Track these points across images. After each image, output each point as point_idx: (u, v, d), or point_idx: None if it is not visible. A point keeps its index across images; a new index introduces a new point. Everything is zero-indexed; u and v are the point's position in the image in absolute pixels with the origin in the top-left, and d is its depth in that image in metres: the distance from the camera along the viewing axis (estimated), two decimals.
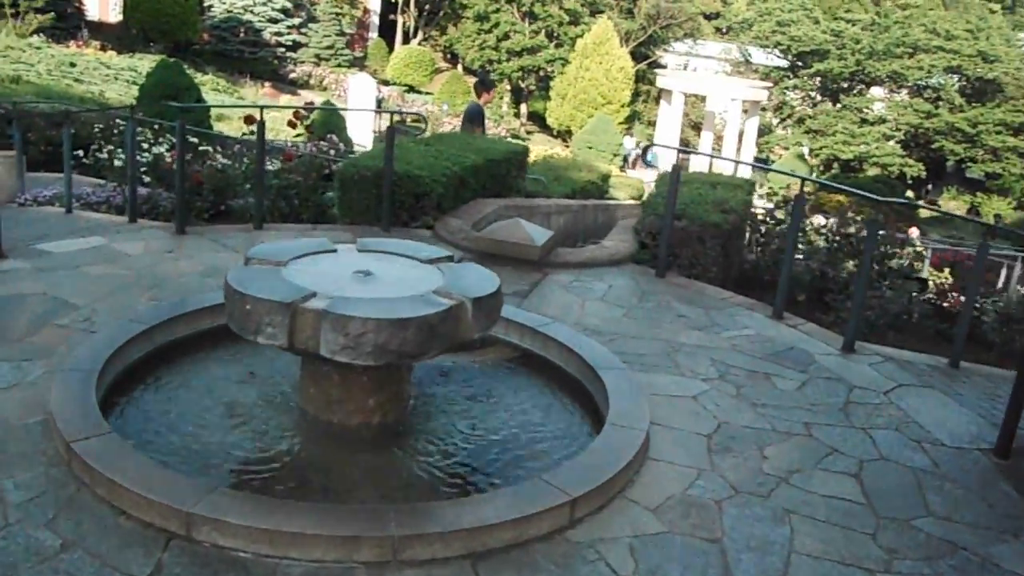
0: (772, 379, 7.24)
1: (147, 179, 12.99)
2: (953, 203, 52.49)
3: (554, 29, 49.00)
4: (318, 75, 48.19)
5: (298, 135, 12.82)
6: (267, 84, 44.35)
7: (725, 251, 9.96)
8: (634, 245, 10.26)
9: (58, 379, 5.47)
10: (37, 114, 17.32)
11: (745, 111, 39.48)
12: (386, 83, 49.19)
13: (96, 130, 15.39)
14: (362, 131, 37.78)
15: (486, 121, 16.00)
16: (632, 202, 26.63)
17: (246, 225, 9.85)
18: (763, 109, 47.39)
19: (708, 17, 60.87)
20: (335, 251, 6.08)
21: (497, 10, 48.26)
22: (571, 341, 6.92)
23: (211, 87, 37.45)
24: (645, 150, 41.55)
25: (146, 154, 13.77)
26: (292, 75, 48.36)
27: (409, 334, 4.90)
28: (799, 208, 8.77)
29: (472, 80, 42.83)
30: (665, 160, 40.00)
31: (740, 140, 39.70)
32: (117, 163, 12.49)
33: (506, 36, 48.26)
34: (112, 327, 6.34)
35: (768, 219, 11.83)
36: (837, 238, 11.77)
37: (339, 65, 49.74)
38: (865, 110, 54.90)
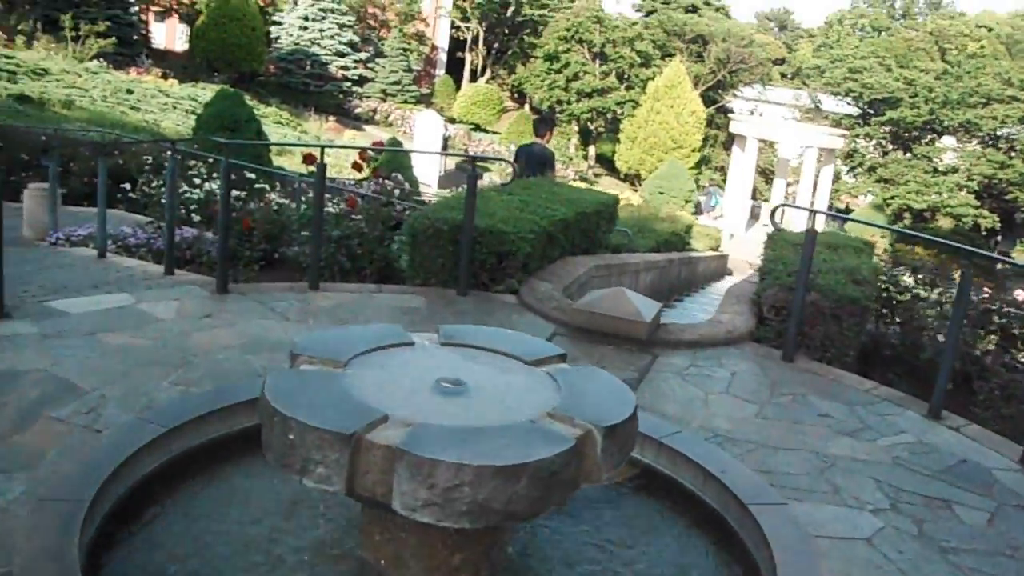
0: (954, 508, 5.57)
1: (197, 218, 11.63)
2: None
3: (625, 71, 47.63)
4: (383, 111, 47.09)
5: (363, 178, 11.24)
6: (331, 118, 43.27)
7: (859, 330, 8.31)
8: (751, 319, 8.62)
9: (31, 515, 3.93)
10: (80, 142, 15.91)
11: (820, 159, 37.72)
12: (452, 121, 48.01)
13: (147, 162, 13.99)
14: (428, 170, 36.49)
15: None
16: (713, 254, 25.00)
17: (300, 283, 8.29)
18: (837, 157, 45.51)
19: (775, 63, 59.22)
20: (411, 344, 4.50)
21: (568, 50, 46.98)
22: (706, 459, 5.28)
23: (274, 119, 36.39)
24: (709, 194, 39.96)
25: (197, 191, 12.40)
26: (357, 110, 47.34)
27: (520, 487, 3.33)
28: (966, 281, 7.04)
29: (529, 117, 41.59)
30: (729, 208, 38.48)
31: (815, 188, 37.90)
32: (165, 200, 11.07)
33: (576, 77, 46.96)
34: (121, 428, 4.81)
35: (895, 287, 10.12)
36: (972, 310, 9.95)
37: (405, 101, 48.64)
38: (936, 159, 53.00)
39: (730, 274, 28.41)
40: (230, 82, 37.12)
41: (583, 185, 39.23)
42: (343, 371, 4.00)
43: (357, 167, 11.02)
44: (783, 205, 8.96)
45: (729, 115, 49.73)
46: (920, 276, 10.45)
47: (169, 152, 8.45)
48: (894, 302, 9.98)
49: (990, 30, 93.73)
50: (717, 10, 59.51)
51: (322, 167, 7.99)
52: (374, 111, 47.20)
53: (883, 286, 10.10)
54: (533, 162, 13.88)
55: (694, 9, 57.52)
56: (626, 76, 47.99)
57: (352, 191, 11.22)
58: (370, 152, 12.74)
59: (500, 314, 7.94)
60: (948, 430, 6.88)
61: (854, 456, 6.11)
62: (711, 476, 5.13)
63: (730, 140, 52.38)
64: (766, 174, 48.26)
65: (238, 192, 12.25)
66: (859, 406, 7.07)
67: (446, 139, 39.60)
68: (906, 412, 7.11)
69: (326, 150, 8.53)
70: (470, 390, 3.95)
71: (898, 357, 8.99)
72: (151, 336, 6.50)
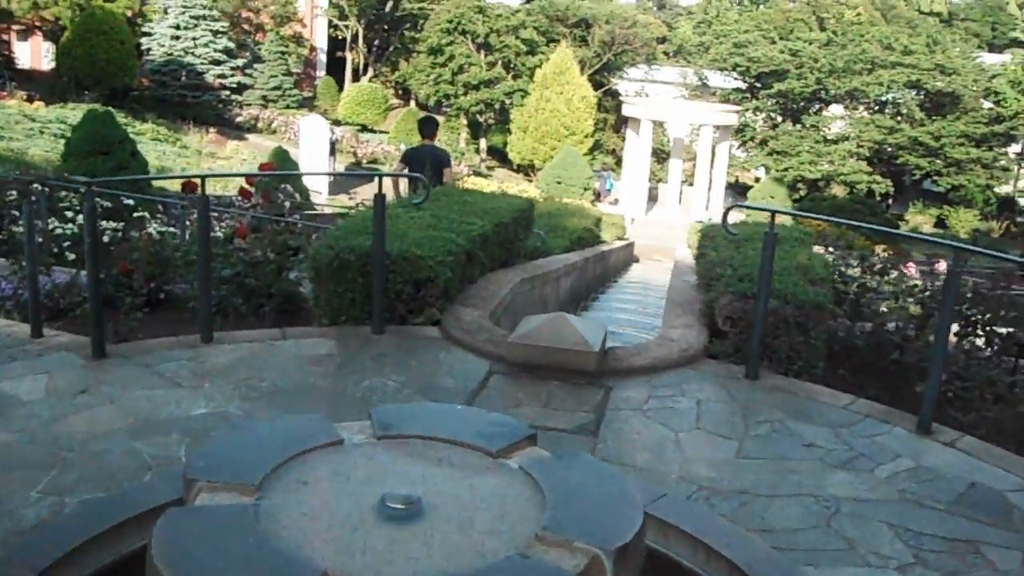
0: (982, 551, 4.79)
1: (71, 256, 10.43)
2: (920, 218, 50.94)
3: (511, 60, 46.76)
4: (266, 118, 45.53)
5: (251, 205, 10.08)
6: (212, 130, 41.59)
7: (826, 338, 7.52)
8: (703, 332, 7.76)
9: None
10: None
11: (715, 136, 37.36)
12: (338, 123, 46.66)
13: (10, 197, 12.63)
14: (317, 177, 35.23)
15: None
16: (621, 243, 24.29)
17: (190, 336, 7.15)
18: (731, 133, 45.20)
19: (658, 42, 58.91)
20: (339, 442, 3.47)
21: (451, 43, 45.91)
22: (703, 529, 4.37)
23: (151, 136, 34.78)
24: (603, 179, 39.30)
25: (69, 225, 11.19)
26: (238, 119, 45.72)
27: None
28: (954, 276, 6.21)
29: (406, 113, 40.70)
30: (627, 192, 37.90)
31: (712, 166, 37.54)
32: (25, 249, 9.78)
33: (461, 69, 45.92)
34: None
35: (850, 281, 9.34)
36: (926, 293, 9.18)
37: (288, 107, 47.13)
38: (826, 128, 53.32)
39: (637, 261, 27.79)
40: (102, 100, 35.36)
41: (479, 181, 38.34)
42: (256, 500, 2.97)
43: (245, 194, 9.86)
44: (738, 206, 8.08)
45: (620, 98, 49.16)
46: (869, 265, 9.65)
47: (34, 188, 7.22)
48: (844, 296, 9.19)
49: None
50: None
51: (204, 201, 6.84)
52: (256, 118, 45.58)
53: (835, 281, 9.33)
54: (426, 166, 12.96)
55: None
56: (513, 65, 47.11)
57: (239, 210, 10.04)
58: (256, 178, 11.60)
59: (424, 352, 6.94)
60: (944, 447, 6.10)
61: (856, 495, 5.28)
62: (712, 551, 4.23)
63: (620, 123, 51.94)
64: (658, 154, 47.80)
65: (114, 225, 11.05)
66: (842, 428, 6.25)
67: (333, 143, 38.29)
68: (893, 430, 6.31)
69: (212, 163, 7.39)
70: (426, 511, 2.95)
71: (861, 358, 8.20)
72: (15, 427, 5.34)
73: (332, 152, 37.44)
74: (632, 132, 38.17)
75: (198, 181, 7.28)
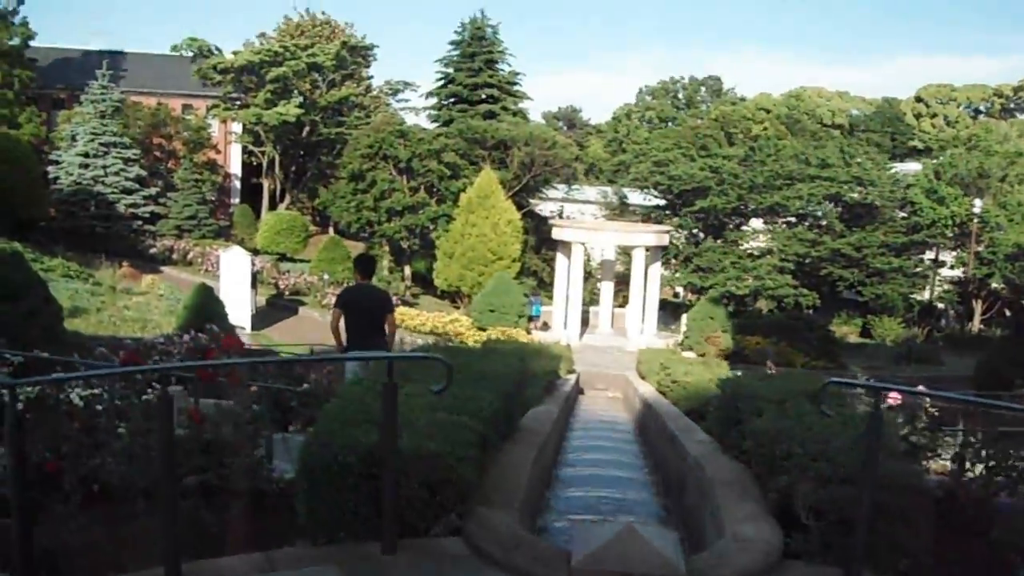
0: None
1: None
2: (846, 328, 50.78)
3: (434, 184, 45.81)
4: (181, 249, 43.88)
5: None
6: (125, 263, 39.74)
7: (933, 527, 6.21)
8: (774, 525, 6.41)
9: None
10: None
11: (647, 258, 36.54)
12: (256, 252, 45.14)
13: None
14: (238, 311, 33.58)
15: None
16: (572, 377, 23.00)
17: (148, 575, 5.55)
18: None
19: (575, 160, 58.74)
20: None
21: (373, 168, 44.82)
22: None
23: (61, 272, 32.99)
24: (530, 304, 38.13)
25: None
26: (152, 250, 44.10)
27: None
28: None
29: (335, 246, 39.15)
30: (560, 317, 36.77)
31: (645, 287, 36.62)
32: None
33: (384, 195, 44.78)
34: None
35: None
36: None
37: (204, 236, 45.58)
38: (750, 243, 53.29)
39: (582, 392, 26.48)
40: (7, 231, 33.53)
41: (406, 311, 36.94)
42: None
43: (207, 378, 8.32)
44: (838, 382, 6.78)
45: (550, 221, 48.49)
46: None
47: None
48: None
49: (768, 112, 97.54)
50: (515, 114, 58.60)
51: (167, 403, 5.31)
52: (171, 249, 43.87)
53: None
54: (366, 310, 11.64)
55: (492, 115, 56.44)
56: (436, 189, 46.14)
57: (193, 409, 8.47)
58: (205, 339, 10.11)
59: None
60: None
61: None
62: None
63: (540, 244, 51.16)
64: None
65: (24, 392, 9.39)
66: None
67: (255, 275, 36.73)
68: None
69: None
70: None
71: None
72: None
73: (254, 284, 35.87)
74: (562, 255, 37.17)
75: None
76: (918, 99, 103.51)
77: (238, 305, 33.73)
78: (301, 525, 6.39)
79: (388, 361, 5.81)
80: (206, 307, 24.46)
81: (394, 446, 5.63)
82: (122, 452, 7.26)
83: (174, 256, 43.67)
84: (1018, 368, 23.70)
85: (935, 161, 55.72)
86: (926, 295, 54.54)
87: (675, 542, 5.57)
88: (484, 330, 34.44)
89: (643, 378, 22.59)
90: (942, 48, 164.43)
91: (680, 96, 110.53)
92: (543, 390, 13.76)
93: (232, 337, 10.21)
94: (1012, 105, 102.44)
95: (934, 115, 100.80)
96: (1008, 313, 53.60)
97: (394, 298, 37.39)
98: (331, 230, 52.30)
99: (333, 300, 37.24)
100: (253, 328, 33.62)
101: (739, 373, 19.35)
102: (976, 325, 51.32)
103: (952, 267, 54.50)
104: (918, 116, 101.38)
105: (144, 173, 45.70)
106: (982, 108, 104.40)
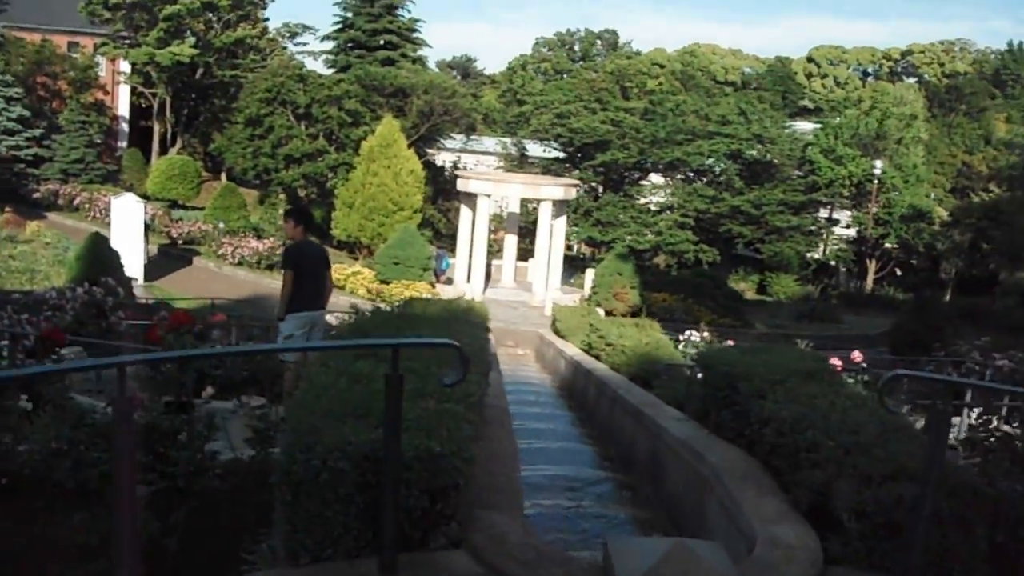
0: None
1: None
2: (743, 284, 50.96)
3: (334, 131, 44.24)
4: (67, 194, 41.63)
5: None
6: (7, 208, 37.45)
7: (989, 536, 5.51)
8: (807, 526, 5.65)
9: None
10: None
11: (553, 211, 35.73)
12: (146, 198, 43.14)
13: None
14: (130, 260, 31.92)
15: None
16: (491, 336, 22.03)
17: None
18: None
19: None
20: None
21: (271, 113, 43.03)
22: None
23: None
24: (439, 258, 37.12)
25: None
26: (36, 195, 41.75)
27: None
28: None
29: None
30: (464, 270, 35.87)
31: (550, 242, 35.85)
32: None
33: (282, 142, 43.08)
34: None
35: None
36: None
37: (91, 181, 43.40)
38: (650, 198, 53.02)
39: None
40: None
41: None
42: None
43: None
44: (903, 374, 5.95)
45: (459, 173, 47.36)
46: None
47: None
48: None
49: (663, 67, 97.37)
50: (414, 62, 57.18)
51: (128, 413, 4.28)
52: (56, 194, 41.58)
53: None
54: (313, 269, 10.76)
55: (391, 62, 54.92)
56: (336, 137, 44.59)
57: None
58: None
59: None
60: None
61: None
62: None
63: (436, 194, 50.10)
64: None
65: None
66: None
67: (147, 224, 34.98)
68: None
69: None
70: None
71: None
72: None
73: (146, 233, 34.16)
74: (466, 207, 36.15)
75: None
76: (809, 59, 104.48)
77: (131, 255, 32.03)
78: (264, 532, 5.46)
79: (393, 349, 4.84)
80: (100, 258, 23.03)
81: (398, 450, 4.70)
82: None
83: (59, 201, 41.39)
84: (932, 331, 23.62)
85: (834, 121, 55.95)
86: (819, 253, 55.11)
87: (724, 556, 4.77)
88: (387, 283, 33.35)
89: (562, 337, 21.82)
90: (829, 10, 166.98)
91: (576, 49, 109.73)
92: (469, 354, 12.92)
93: (182, 314, 9.10)
94: (900, 69, 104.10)
95: (824, 75, 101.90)
96: (899, 272, 54.46)
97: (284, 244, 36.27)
98: (224, 177, 50.35)
99: (229, 248, 36.14)
100: (147, 279, 32.00)
101: (668, 336, 18.83)
102: (870, 284, 51.94)
103: (848, 226, 55.05)
104: (809, 76, 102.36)
105: (27, 114, 43.21)
106: (870, 71, 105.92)
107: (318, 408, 5.26)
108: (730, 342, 18.14)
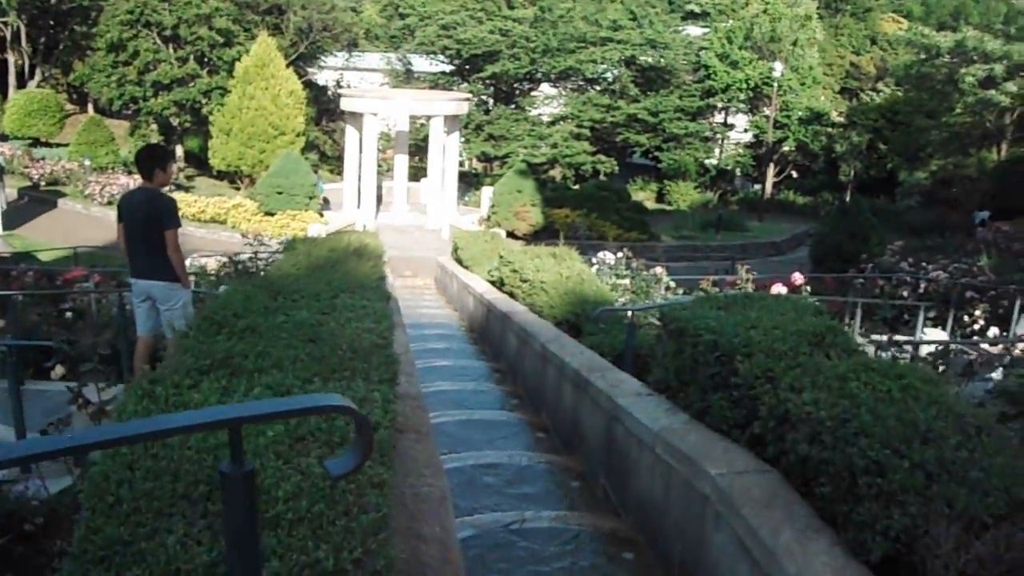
0: None
1: None
2: (642, 194, 49.11)
3: (205, 53, 40.68)
4: None
5: None
6: None
7: None
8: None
9: None
10: None
11: (445, 127, 33.13)
12: (4, 138, 39.31)
13: None
14: None
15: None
16: (388, 269, 19.43)
17: None
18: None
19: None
20: None
21: (135, 36, 39.24)
22: None
23: None
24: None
25: None
26: None
27: None
28: None
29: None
30: (352, 195, 33.18)
31: (443, 161, 33.30)
32: None
33: (149, 67, 39.41)
34: None
35: None
36: None
37: None
38: (544, 109, 50.74)
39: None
40: None
41: (182, 196, 32.48)
42: None
43: None
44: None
45: (342, 91, 44.30)
46: None
47: None
48: None
49: None
50: None
51: None
52: None
53: None
54: (137, 224, 8.17)
55: None
56: (208, 60, 41.01)
57: None
58: None
59: None
60: None
61: None
62: None
63: (320, 115, 47.19)
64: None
65: None
66: None
67: (1, 166, 31.50)
68: None
69: None
70: None
71: None
72: None
73: (0, 176, 30.71)
74: (351, 127, 33.32)
75: None
76: None
77: None
78: None
79: (231, 429, 2.35)
80: None
81: None
82: None
83: None
84: (856, 242, 21.85)
85: (725, 25, 53.91)
86: (715, 160, 53.58)
87: None
88: (272, 215, 30.56)
89: (466, 267, 19.41)
90: None
91: None
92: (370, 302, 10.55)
93: None
94: None
95: None
96: (795, 175, 53.25)
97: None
98: (91, 109, 46.42)
99: (96, 188, 32.85)
100: (4, 228, 28.68)
101: (593, 263, 16.57)
102: (769, 189, 50.51)
103: (745, 131, 53.52)
104: None
105: None
106: None
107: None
108: (658, 269, 16.04)
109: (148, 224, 8.17)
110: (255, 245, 14.59)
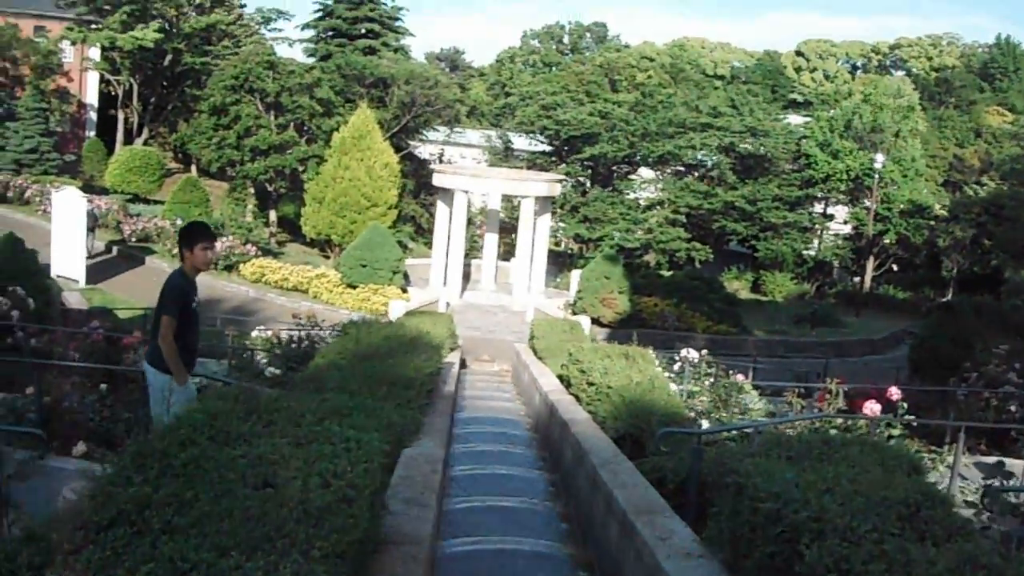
0: None
1: None
2: (737, 283, 47.38)
3: (305, 122, 40.56)
4: (18, 186, 37.79)
5: None
6: None
7: None
8: None
9: None
10: None
11: (536, 208, 32.19)
12: (106, 192, 39.48)
13: None
14: (69, 258, 28.42)
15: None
16: (456, 356, 18.25)
17: None
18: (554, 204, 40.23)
19: (460, 102, 54.13)
20: None
21: (237, 101, 39.25)
22: None
23: None
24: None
25: None
26: None
27: None
28: None
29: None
30: (440, 272, 32.27)
31: (533, 241, 32.30)
32: None
33: (248, 132, 39.30)
34: None
35: None
36: None
37: (46, 172, 39.69)
38: (640, 193, 49.70)
39: (464, 366, 22.12)
40: None
41: (268, 262, 32.01)
42: None
43: None
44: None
45: (430, 166, 43.89)
46: None
47: None
48: None
49: (652, 60, 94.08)
50: (396, 51, 53.51)
51: None
52: (6, 186, 37.76)
53: None
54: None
55: (372, 51, 51.31)
56: (307, 128, 40.89)
57: None
58: None
59: None
60: None
61: None
62: None
63: (419, 188, 46.69)
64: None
65: None
66: None
67: (95, 218, 31.33)
68: None
69: None
70: None
71: None
72: None
73: (92, 228, 30.52)
74: (443, 203, 32.57)
75: None
76: (798, 53, 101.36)
77: (70, 253, 28.48)
78: None
79: None
80: (13, 257, 19.39)
81: None
82: None
83: (9, 194, 37.54)
84: (959, 347, 20.10)
85: (827, 114, 52.48)
86: (813, 250, 51.83)
87: None
88: (354, 287, 29.77)
89: (540, 358, 18.20)
90: (815, 6, 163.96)
91: (565, 41, 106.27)
92: (419, 408, 9.44)
93: None
94: (888, 63, 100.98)
95: (814, 69, 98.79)
96: (896, 269, 51.18)
97: (252, 247, 32.57)
98: (194, 169, 46.65)
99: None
100: (88, 281, 28.36)
101: (675, 361, 15.29)
102: (868, 282, 48.49)
103: (845, 222, 51.70)
104: (798, 69, 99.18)
105: None
106: (859, 64, 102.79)
107: None
108: (740, 378, 14.65)
109: (156, 307, 7.43)
110: (307, 326, 13.54)
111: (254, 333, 18.10)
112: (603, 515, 7.64)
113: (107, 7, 44.71)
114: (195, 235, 7.70)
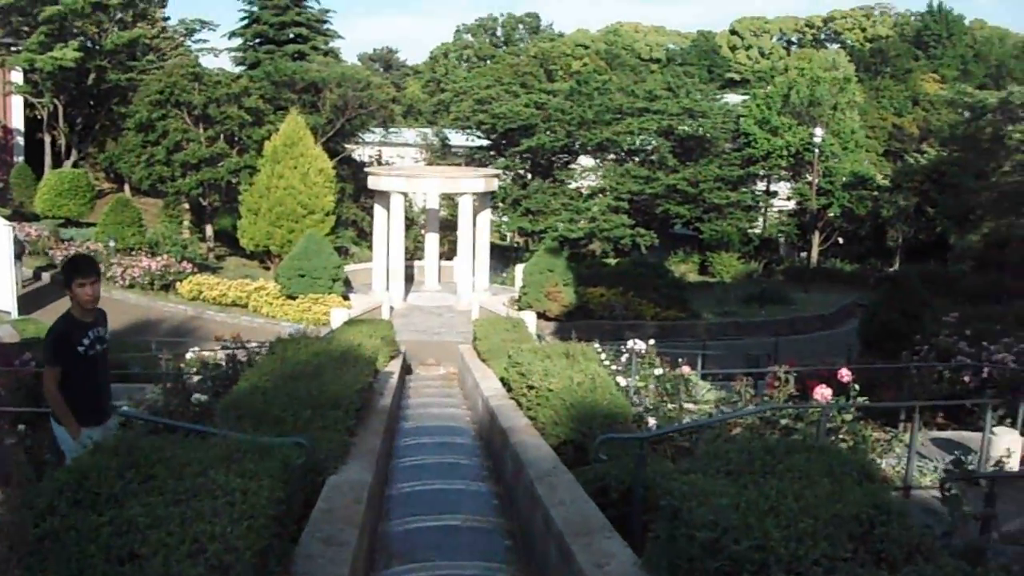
0: None
1: None
2: (684, 266, 47.12)
3: (235, 132, 39.63)
4: None
5: None
6: None
7: None
8: None
9: None
10: None
11: (475, 204, 31.64)
12: (37, 218, 38.40)
13: None
14: (0, 290, 27.48)
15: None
16: (396, 364, 17.62)
17: None
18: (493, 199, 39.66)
19: (392, 102, 53.28)
20: None
21: (164, 116, 38.20)
22: None
23: None
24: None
25: None
26: None
27: None
28: None
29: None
30: (380, 276, 31.64)
31: (474, 238, 31.73)
32: None
33: (178, 146, 38.33)
34: None
35: None
36: None
37: None
38: (581, 182, 49.29)
39: (409, 372, 21.56)
40: None
41: (206, 279, 31.24)
42: None
43: None
44: None
45: (365, 169, 43.13)
46: None
47: None
48: None
49: (586, 47, 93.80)
50: (326, 54, 52.64)
51: None
52: None
53: None
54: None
55: (301, 56, 50.46)
56: (237, 138, 39.98)
57: None
58: None
59: None
60: None
61: None
62: None
63: (359, 191, 45.94)
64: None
65: None
66: None
67: (22, 245, 30.34)
68: None
69: None
70: None
71: None
72: None
73: (20, 256, 29.53)
74: (380, 206, 31.89)
75: None
76: (733, 32, 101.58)
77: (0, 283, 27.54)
78: None
79: None
80: None
81: None
82: None
83: None
84: (909, 319, 19.82)
85: (765, 91, 52.36)
86: (758, 228, 51.74)
87: None
88: (294, 298, 29.04)
89: (484, 360, 17.64)
90: None
91: (498, 34, 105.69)
92: (347, 429, 8.85)
93: None
94: (823, 36, 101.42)
95: (749, 47, 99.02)
96: (842, 242, 51.17)
97: (188, 265, 31.65)
98: (127, 188, 45.52)
99: (118, 269, 31.65)
100: (21, 312, 27.43)
101: (608, 348, 14.78)
102: (814, 257, 48.42)
103: (788, 198, 51.63)
104: (733, 48, 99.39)
105: None
106: (794, 39, 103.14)
107: None
108: (686, 369, 14.16)
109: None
110: (232, 347, 12.90)
111: (188, 355, 17.36)
112: (542, 534, 7.15)
113: (25, 28, 43.51)
114: (69, 272, 7.05)
